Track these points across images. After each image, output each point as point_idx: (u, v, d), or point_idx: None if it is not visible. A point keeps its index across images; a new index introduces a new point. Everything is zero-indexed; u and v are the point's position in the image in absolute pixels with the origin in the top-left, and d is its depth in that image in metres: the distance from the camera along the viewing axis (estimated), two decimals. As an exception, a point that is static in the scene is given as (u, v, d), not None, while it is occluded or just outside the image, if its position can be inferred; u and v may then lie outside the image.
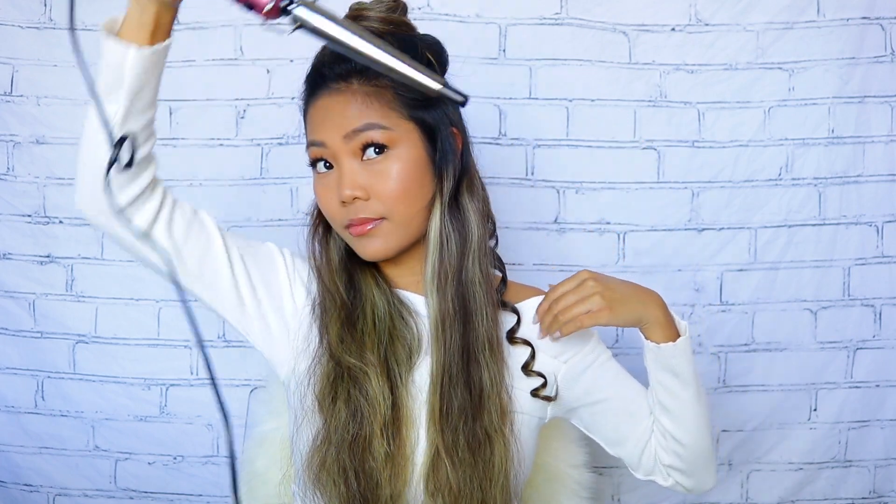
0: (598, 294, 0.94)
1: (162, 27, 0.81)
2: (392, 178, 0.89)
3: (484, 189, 0.99)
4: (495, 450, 0.94)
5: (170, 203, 0.89)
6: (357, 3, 0.95)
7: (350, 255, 0.98)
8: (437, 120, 0.93)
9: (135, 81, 0.81)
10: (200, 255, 0.92)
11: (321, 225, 0.99)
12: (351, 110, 0.89)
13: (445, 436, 0.92)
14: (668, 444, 1.01)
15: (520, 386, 0.98)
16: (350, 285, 0.97)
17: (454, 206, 0.94)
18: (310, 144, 0.93)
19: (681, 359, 0.97)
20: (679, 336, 0.97)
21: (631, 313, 0.95)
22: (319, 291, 0.97)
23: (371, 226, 0.90)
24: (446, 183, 0.93)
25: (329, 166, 0.92)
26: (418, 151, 0.91)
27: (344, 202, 0.90)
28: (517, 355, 0.99)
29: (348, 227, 0.92)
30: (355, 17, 0.93)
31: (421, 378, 0.95)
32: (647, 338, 0.97)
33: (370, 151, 0.89)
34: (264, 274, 0.96)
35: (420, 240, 0.95)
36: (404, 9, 0.96)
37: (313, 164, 0.93)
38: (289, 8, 0.76)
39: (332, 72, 0.91)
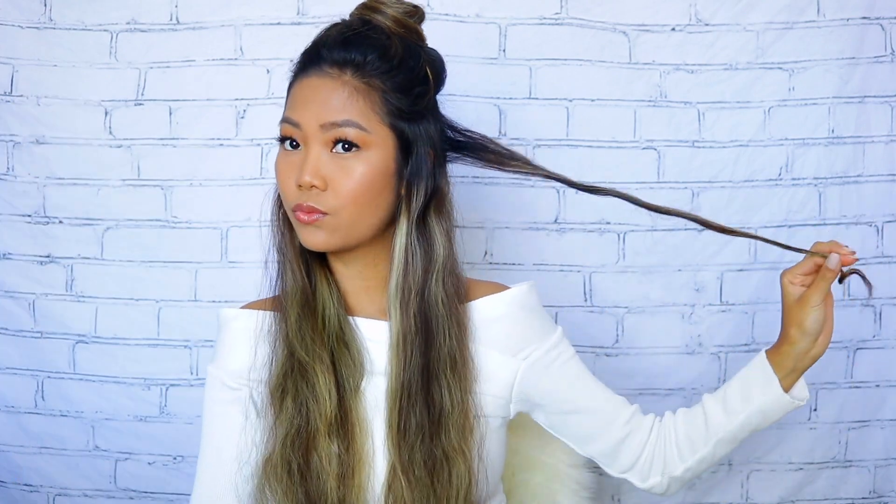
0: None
1: None
2: (353, 178, 0.89)
3: (451, 216, 0.98)
4: (453, 470, 0.93)
5: None
6: None
7: None
8: (417, 135, 0.92)
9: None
10: None
11: None
12: (335, 100, 0.88)
13: (402, 453, 0.92)
14: (699, 465, 1.01)
15: (484, 390, 0.97)
16: (307, 276, 0.97)
17: (421, 224, 0.93)
18: (284, 120, 0.92)
19: (785, 414, 0.98)
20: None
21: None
22: (287, 276, 0.97)
23: (315, 216, 0.89)
24: (415, 199, 0.92)
25: (296, 145, 0.91)
26: (387, 161, 0.91)
27: (300, 186, 0.89)
28: (482, 360, 0.97)
29: (295, 209, 0.91)
30: (370, 9, 0.93)
31: (373, 395, 0.95)
32: (783, 385, 0.96)
33: (340, 146, 0.89)
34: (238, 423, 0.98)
35: (365, 243, 0.94)
36: (421, 16, 0.97)
37: (282, 139, 0.92)
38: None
39: (329, 55, 0.90)
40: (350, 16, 0.96)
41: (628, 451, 1.02)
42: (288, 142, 0.92)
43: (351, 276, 0.98)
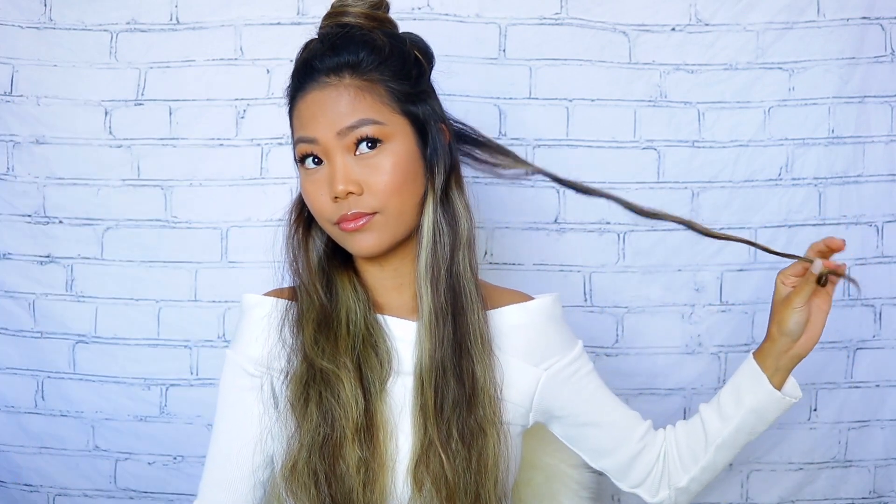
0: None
1: None
2: (386, 173, 0.89)
3: (465, 188, 1.00)
4: (489, 442, 0.94)
5: None
6: (338, 2, 0.95)
7: (328, 258, 0.98)
8: (427, 115, 0.93)
9: None
10: None
11: (301, 225, 0.99)
12: (343, 105, 0.88)
13: (440, 429, 0.92)
14: (702, 475, 1.01)
15: (504, 397, 0.97)
16: (327, 288, 0.97)
17: (445, 200, 0.94)
18: (299, 141, 0.92)
19: (781, 413, 0.98)
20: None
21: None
22: (301, 291, 0.96)
23: (364, 220, 0.89)
24: (437, 177, 0.93)
25: (318, 162, 0.91)
26: (410, 146, 0.91)
27: (337, 197, 0.89)
28: (504, 367, 0.98)
29: (339, 223, 0.90)
30: (335, 14, 0.93)
31: (399, 394, 0.95)
32: (772, 383, 0.97)
33: (363, 146, 0.89)
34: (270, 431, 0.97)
35: (406, 238, 0.95)
36: (387, 7, 0.97)
37: (301, 160, 0.92)
38: None
39: (323, 65, 0.90)
40: (319, 28, 0.96)
41: (641, 467, 1.03)
42: (310, 159, 0.91)
43: (384, 276, 0.98)
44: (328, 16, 0.95)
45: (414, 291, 0.97)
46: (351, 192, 0.89)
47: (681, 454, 1.02)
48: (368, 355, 0.94)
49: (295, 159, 0.95)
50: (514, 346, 0.99)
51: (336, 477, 0.91)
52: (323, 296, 0.95)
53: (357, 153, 0.89)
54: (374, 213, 0.90)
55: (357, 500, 0.91)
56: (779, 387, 0.97)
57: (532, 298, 1.02)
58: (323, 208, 0.91)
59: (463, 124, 1.01)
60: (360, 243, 0.91)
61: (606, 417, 1.03)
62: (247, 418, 0.97)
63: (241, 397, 0.98)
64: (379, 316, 0.98)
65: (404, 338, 0.97)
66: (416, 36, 0.98)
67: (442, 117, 0.96)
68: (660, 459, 1.03)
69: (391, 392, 0.95)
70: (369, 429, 0.92)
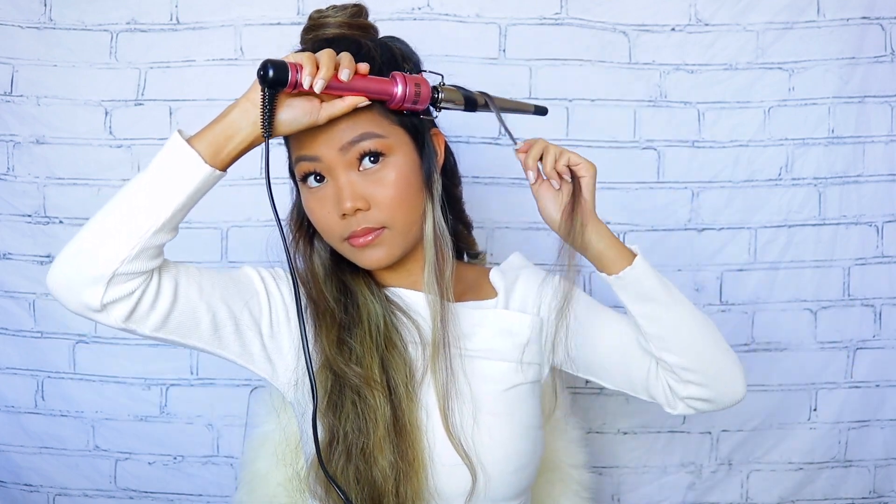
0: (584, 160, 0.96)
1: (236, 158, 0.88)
2: (391, 186, 0.89)
3: (459, 178, 1.05)
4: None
5: (166, 307, 0.85)
6: (316, 12, 0.94)
7: (338, 262, 0.97)
8: (422, 124, 0.93)
9: (193, 198, 0.88)
10: (191, 334, 0.88)
11: (303, 237, 0.98)
12: (341, 122, 0.87)
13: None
14: (682, 375, 0.96)
15: (520, 351, 0.99)
16: (343, 293, 0.96)
17: (443, 207, 0.94)
18: (299, 160, 0.91)
19: (650, 279, 0.96)
20: (634, 257, 0.97)
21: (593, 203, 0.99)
22: (309, 304, 0.95)
23: (373, 235, 0.89)
24: (435, 185, 0.93)
25: (320, 179, 0.90)
26: (411, 157, 0.91)
27: (345, 214, 0.88)
28: (513, 324, 0.99)
29: (348, 238, 0.90)
30: (315, 27, 0.92)
31: (430, 393, 0.93)
32: (606, 272, 0.97)
33: (366, 161, 0.88)
34: (255, 318, 0.92)
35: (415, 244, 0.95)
36: (366, 13, 0.96)
37: (303, 178, 0.91)
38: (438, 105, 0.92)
39: None
40: (302, 43, 0.94)
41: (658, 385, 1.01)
42: (312, 177, 0.90)
43: (398, 276, 0.98)
44: (308, 29, 0.93)
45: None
46: (359, 209, 0.88)
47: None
48: (392, 356, 0.93)
49: (293, 176, 0.94)
50: (515, 303, 1.02)
51: (369, 481, 0.89)
52: (335, 305, 0.94)
53: (361, 168, 0.89)
54: (383, 228, 0.90)
55: (389, 501, 0.89)
56: (612, 269, 0.98)
57: (491, 267, 1.07)
58: (331, 226, 0.90)
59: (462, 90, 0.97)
60: (370, 258, 0.91)
61: (608, 325, 1.03)
62: (244, 279, 0.93)
63: (252, 277, 0.94)
64: (394, 289, 0.98)
65: (423, 311, 0.96)
66: (401, 41, 0.97)
67: (433, 122, 0.95)
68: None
69: (423, 391, 0.93)
70: (398, 430, 0.90)
